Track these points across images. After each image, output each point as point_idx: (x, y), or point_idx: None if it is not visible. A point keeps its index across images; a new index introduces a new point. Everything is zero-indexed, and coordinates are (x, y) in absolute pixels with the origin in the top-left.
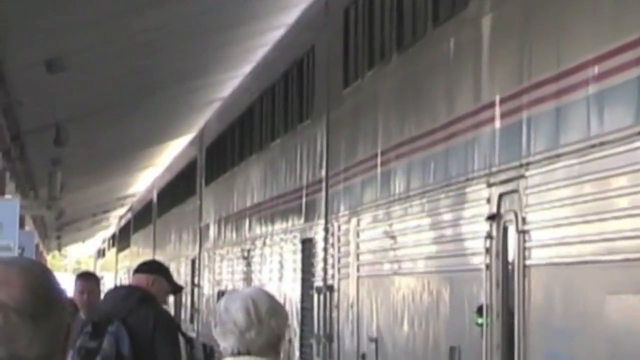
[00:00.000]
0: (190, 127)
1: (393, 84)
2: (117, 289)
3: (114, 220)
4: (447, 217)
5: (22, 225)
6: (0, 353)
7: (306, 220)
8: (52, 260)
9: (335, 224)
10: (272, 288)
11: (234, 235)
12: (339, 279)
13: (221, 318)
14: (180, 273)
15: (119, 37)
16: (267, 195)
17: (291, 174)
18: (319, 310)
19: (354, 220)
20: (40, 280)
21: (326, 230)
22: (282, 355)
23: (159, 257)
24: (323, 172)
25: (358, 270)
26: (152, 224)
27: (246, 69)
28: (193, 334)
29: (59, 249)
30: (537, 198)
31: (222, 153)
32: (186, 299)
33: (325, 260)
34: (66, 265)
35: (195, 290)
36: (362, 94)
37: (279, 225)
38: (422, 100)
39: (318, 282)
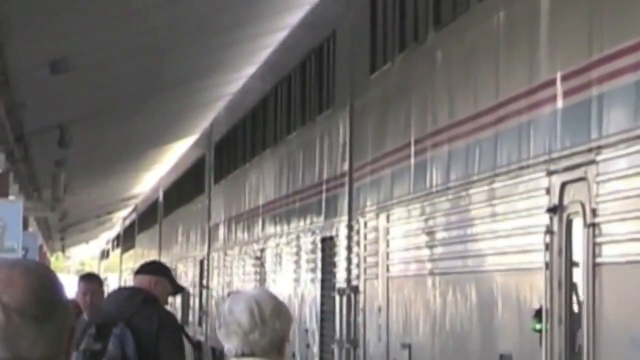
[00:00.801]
0: (194, 128)
1: (429, 66)
2: (120, 291)
3: (118, 221)
4: (497, 210)
5: (26, 226)
6: (3, 354)
7: (327, 217)
8: (56, 261)
9: (362, 221)
10: (287, 290)
11: (246, 234)
12: (365, 280)
13: (225, 319)
14: (188, 274)
15: (123, 39)
16: (283, 192)
17: (310, 169)
18: (342, 314)
19: (383, 217)
20: (43, 282)
21: (350, 227)
22: (285, 356)
23: (165, 258)
24: (346, 166)
25: (388, 270)
26: (158, 224)
27: (250, 70)
28: (202, 338)
29: (63, 251)
30: (610, 187)
31: (232, 149)
32: (194, 301)
33: (349, 260)
34: (70, 267)
35: (204, 292)
36: (393, 79)
37: (296, 224)
38: (465, 82)
39: (340, 284)
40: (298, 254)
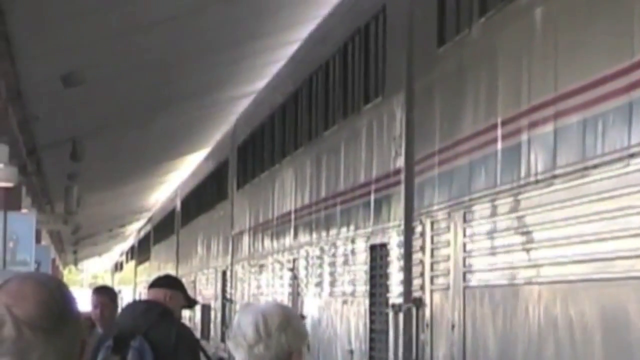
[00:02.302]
0: (206, 141)
1: (524, 26)
2: (135, 304)
3: (132, 233)
4: (628, 202)
5: (38, 239)
6: None
7: (376, 221)
8: (69, 274)
9: (426, 222)
10: (325, 305)
11: (275, 243)
12: (432, 291)
13: (234, 331)
14: (209, 286)
15: (134, 52)
16: (319, 196)
17: (353, 168)
18: (397, 332)
19: (457, 215)
20: (54, 295)
21: (408, 231)
22: None
23: (183, 269)
24: (401, 160)
25: (464, 279)
26: (175, 234)
27: (260, 84)
28: (224, 355)
29: (75, 264)
30: None
31: (258, 151)
32: (216, 315)
33: (407, 268)
34: (82, 280)
35: (227, 305)
36: (470, 49)
37: (336, 230)
38: (578, 43)
39: (395, 298)
40: (339, 264)
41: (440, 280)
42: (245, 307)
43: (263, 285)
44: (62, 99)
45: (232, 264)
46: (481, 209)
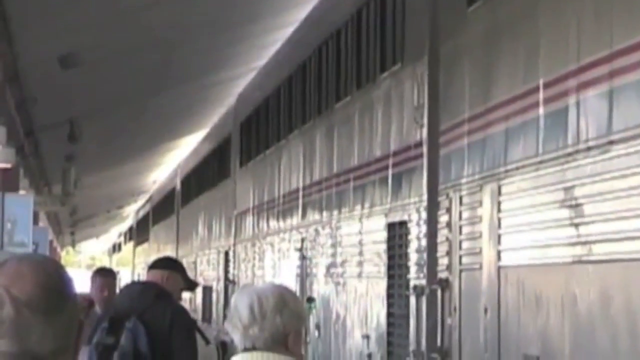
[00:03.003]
0: (203, 123)
1: None
2: (132, 285)
3: (129, 214)
4: None
5: (36, 221)
6: (12, 348)
7: (395, 198)
8: (66, 256)
9: (453, 196)
10: (337, 287)
11: (281, 222)
12: (460, 272)
13: (230, 313)
14: (210, 268)
15: (132, 33)
16: (330, 172)
17: (369, 141)
18: (419, 317)
19: (490, 188)
20: (52, 275)
21: (432, 207)
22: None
23: (183, 250)
24: (424, 131)
25: (499, 257)
26: (175, 214)
27: (259, 64)
28: (227, 338)
29: (73, 245)
30: None
31: (262, 126)
32: (217, 297)
33: (431, 247)
34: (80, 261)
35: (230, 287)
36: (507, 7)
37: (348, 208)
38: None
39: (417, 279)
40: (353, 243)
41: (470, 260)
42: (242, 289)
43: (268, 266)
44: (60, 80)
45: (234, 245)
46: (520, 181)
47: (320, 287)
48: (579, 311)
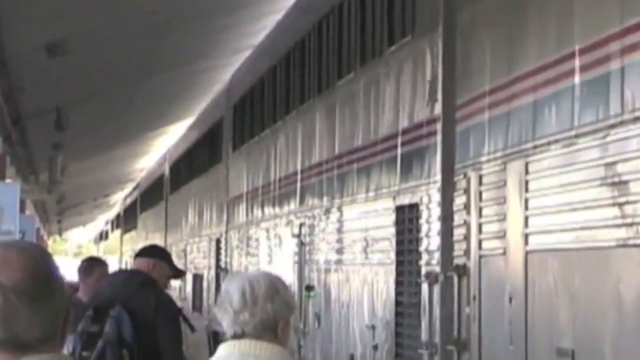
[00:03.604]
0: (191, 111)
1: None
2: (118, 273)
3: (117, 202)
4: None
5: (22, 209)
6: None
7: (404, 179)
8: (53, 244)
9: (472, 176)
10: (339, 275)
11: (277, 208)
12: (480, 257)
13: (220, 298)
14: (201, 255)
15: (120, 21)
16: (331, 153)
17: (374, 120)
18: (431, 306)
19: (516, 166)
20: (39, 262)
21: (447, 187)
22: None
23: (173, 238)
24: (438, 107)
25: (526, 241)
26: (164, 200)
27: (247, 52)
28: (219, 328)
29: (60, 233)
30: None
31: (257, 108)
32: (209, 285)
33: (446, 232)
34: (67, 250)
35: (221, 275)
36: None
37: (351, 191)
38: None
39: (430, 266)
40: (356, 228)
41: (492, 244)
42: (233, 275)
43: (262, 253)
44: (47, 68)
45: (227, 231)
46: (551, 157)
47: (320, 275)
48: (622, 300)
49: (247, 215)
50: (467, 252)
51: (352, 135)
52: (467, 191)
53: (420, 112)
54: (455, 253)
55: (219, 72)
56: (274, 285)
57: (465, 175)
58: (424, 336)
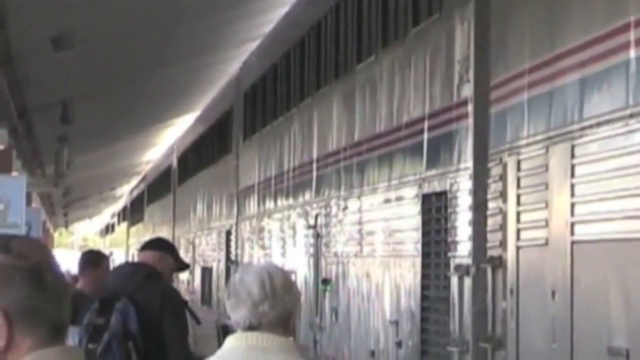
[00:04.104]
0: (197, 104)
1: None
2: (124, 266)
3: (123, 194)
4: None
5: (29, 202)
6: None
7: (431, 166)
8: (59, 237)
9: (510, 161)
10: (356, 268)
11: (291, 198)
12: (518, 248)
13: (235, 289)
14: (210, 248)
15: (126, 14)
16: (349, 140)
17: (397, 104)
18: (461, 300)
19: (560, 150)
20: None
21: (481, 173)
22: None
23: (181, 230)
24: (469, 88)
25: (572, 231)
26: (172, 193)
27: (253, 45)
28: (229, 322)
29: (66, 226)
30: None
31: (270, 95)
32: (218, 278)
33: (479, 221)
34: (73, 243)
35: (232, 268)
36: None
37: (372, 179)
38: None
39: (460, 258)
40: (377, 218)
41: (532, 234)
42: (246, 265)
43: (275, 245)
44: (53, 61)
45: (237, 223)
46: (601, 139)
47: (337, 267)
48: None
49: (259, 206)
50: (503, 243)
51: (373, 121)
52: (503, 177)
53: (449, 94)
54: (489, 244)
55: (225, 66)
56: (289, 277)
57: (500, 160)
58: (453, 332)
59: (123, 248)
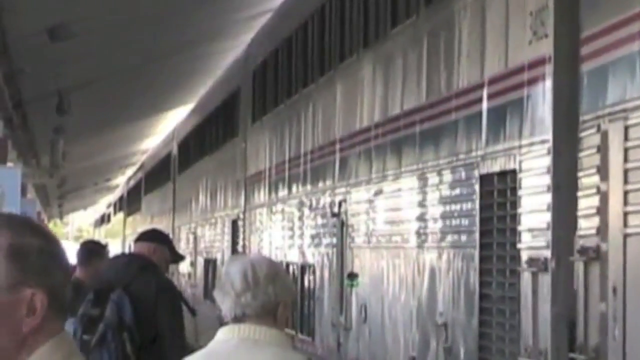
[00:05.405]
0: (192, 96)
1: None
2: (119, 257)
3: (119, 185)
4: None
5: (24, 193)
6: None
7: (492, 140)
8: (54, 228)
9: (611, 128)
10: (391, 261)
11: (309, 183)
12: (625, 237)
13: (221, 280)
14: (215, 238)
15: (122, 5)
16: (383, 115)
17: (446, 70)
18: (536, 300)
19: None
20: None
21: (567, 146)
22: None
23: (181, 219)
24: (547, 44)
25: None
26: (171, 181)
27: (248, 36)
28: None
29: (61, 217)
30: None
31: (284, 72)
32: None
33: (561, 205)
34: (68, 233)
35: None
36: None
37: (413, 159)
38: None
39: (534, 250)
40: (421, 204)
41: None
42: (234, 257)
43: (292, 235)
44: (49, 52)
45: (245, 212)
46: None
47: (366, 260)
48: None
49: (270, 193)
50: (601, 231)
51: (412, 91)
52: (602, 149)
53: (518, 54)
54: (580, 232)
55: (221, 57)
56: (275, 267)
57: (598, 128)
58: (526, 339)
59: (119, 239)
